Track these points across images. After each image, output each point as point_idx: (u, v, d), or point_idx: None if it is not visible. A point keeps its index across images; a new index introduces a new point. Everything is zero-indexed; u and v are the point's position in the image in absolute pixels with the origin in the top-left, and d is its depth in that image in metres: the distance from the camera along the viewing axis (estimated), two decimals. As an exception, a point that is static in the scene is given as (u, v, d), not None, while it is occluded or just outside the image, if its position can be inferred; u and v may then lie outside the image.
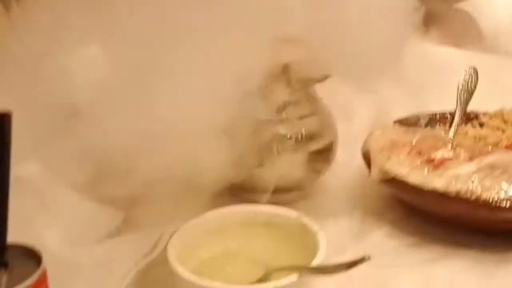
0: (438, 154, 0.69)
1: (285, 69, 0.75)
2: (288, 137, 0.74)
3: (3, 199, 0.41)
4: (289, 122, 0.74)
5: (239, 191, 0.77)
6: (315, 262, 0.56)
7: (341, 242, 0.68)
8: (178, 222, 0.64)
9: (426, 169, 0.68)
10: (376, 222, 0.73)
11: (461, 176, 0.65)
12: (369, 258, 0.51)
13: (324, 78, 0.75)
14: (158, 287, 0.62)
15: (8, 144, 0.40)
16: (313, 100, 0.77)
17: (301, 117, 0.75)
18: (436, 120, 0.83)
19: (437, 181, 0.65)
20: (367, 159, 0.74)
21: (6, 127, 0.40)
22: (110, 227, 0.67)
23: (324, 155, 0.76)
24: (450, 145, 0.71)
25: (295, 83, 0.74)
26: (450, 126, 0.82)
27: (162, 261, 0.61)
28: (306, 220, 0.62)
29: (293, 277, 0.54)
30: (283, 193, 0.75)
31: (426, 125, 0.82)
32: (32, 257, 0.43)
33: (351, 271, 0.60)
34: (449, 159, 0.68)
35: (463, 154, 0.68)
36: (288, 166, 0.74)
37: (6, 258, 0.42)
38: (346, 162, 0.79)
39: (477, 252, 0.66)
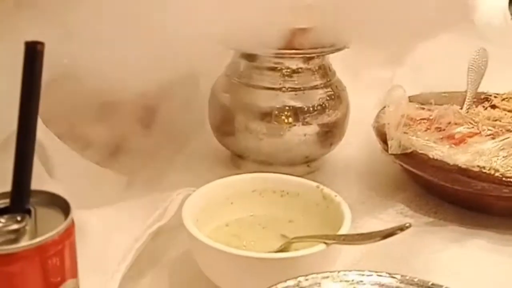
0: (459, 131, 0.67)
1: (298, 35, 0.71)
2: (299, 107, 0.71)
3: (30, 137, 0.37)
4: (299, 92, 0.71)
5: (245, 161, 0.74)
6: (342, 231, 0.53)
7: (353, 217, 0.65)
8: (189, 188, 0.61)
9: (447, 145, 0.65)
10: (389, 199, 0.71)
11: (484, 153, 0.63)
12: (409, 226, 0.48)
13: (338, 48, 0.72)
14: (170, 251, 0.60)
15: (39, 76, 0.36)
16: (326, 71, 0.74)
17: (313, 88, 0.72)
18: (447, 99, 0.81)
19: (460, 157, 0.63)
20: (381, 134, 0.71)
21: (38, 57, 0.36)
22: (116, 190, 0.64)
23: (335, 128, 0.74)
24: (471, 121, 0.68)
25: (308, 52, 0.71)
26: (462, 106, 0.80)
27: (174, 225, 0.58)
28: (328, 190, 0.59)
29: (320, 246, 0.51)
30: (292, 166, 0.73)
31: (437, 104, 0.79)
32: (60, 206, 0.38)
33: (366, 247, 0.58)
34: (471, 136, 0.66)
35: (485, 131, 0.66)
36: (297, 138, 0.71)
37: (30, 205, 0.37)
38: (357, 136, 0.77)
39: (496, 233, 0.65)
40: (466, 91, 0.82)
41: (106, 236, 0.54)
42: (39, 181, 0.55)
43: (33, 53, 0.36)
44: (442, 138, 0.67)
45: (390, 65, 0.80)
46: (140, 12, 0.74)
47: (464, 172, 0.62)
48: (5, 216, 0.37)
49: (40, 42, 0.36)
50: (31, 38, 0.37)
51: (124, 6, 0.75)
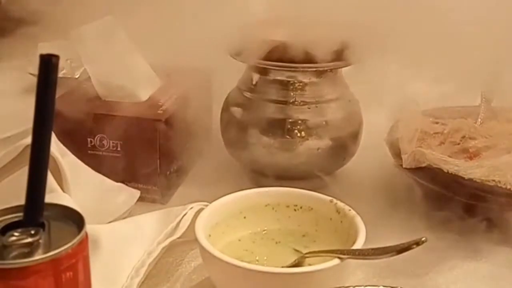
0: (474, 144, 0.66)
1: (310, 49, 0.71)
2: (312, 122, 0.70)
3: (44, 151, 0.37)
4: (312, 105, 0.71)
5: (257, 175, 0.74)
6: (356, 246, 0.52)
7: (367, 232, 0.65)
8: (202, 202, 0.61)
9: (462, 159, 0.65)
10: (403, 213, 0.69)
11: (500, 167, 0.62)
12: (425, 240, 0.47)
13: (351, 62, 0.72)
14: (183, 266, 0.60)
15: (54, 89, 0.36)
16: (339, 85, 0.74)
17: (326, 102, 0.72)
18: (461, 113, 0.80)
19: (476, 171, 0.62)
20: (394, 148, 0.70)
21: (53, 70, 0.36)
22: (129, 205, 0.64)
23: (348, 142, 0.73)
24: (486, 135, 0.68)
25: (321, 65, 0.71)
26: (476, 120, 0.79)
27: (186, 240, 0.58)
28: (341, 204, 0.58)
29: (334, 261, 0.50)
30: (305, 180, 0.72)
31: (451, 118, 0.79)
32: (73, 219, 0.38)
33: (379, 262, 0.57)
34: (486, 150, 0.65)
35: (500, 145, 0.65)
36: (310, 152, 0.71)
37: (43, 219, 0.37)
38: (370, 150, 0.76)
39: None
40: (480, 105, 0.81)
41: (119, 251, 0.54)
42: (51, 195, 0.55)
43: (48, 66, 0.36)
44: (456, 152, 0.66)
45: (404, 78, 0.79)
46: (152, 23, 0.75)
47: (479, 186, 0.62)
48: (19, 230, 0.36)
49: (55, 54, 0.36)
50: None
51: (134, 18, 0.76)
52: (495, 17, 0.68)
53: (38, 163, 0.37)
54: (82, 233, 0.37)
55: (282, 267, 0.54)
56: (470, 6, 0.68)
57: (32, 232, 0.36)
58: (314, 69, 0.70)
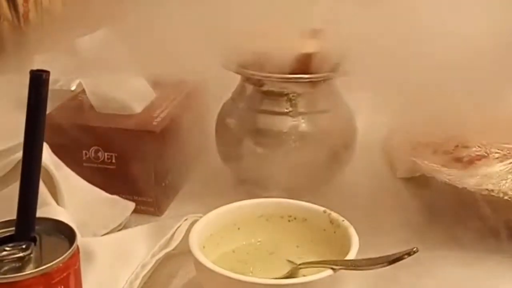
0: (468, 153, 0.66)
1: (306, 60, 0.71)
2: (306, 132, 0.71)
3: (35, 166, 0.37)
4: (307, 116, 0.71)
5: (252, 186, 0.74)
6: (349, 257, 0.52)
7: (360, 242, 0.65)
8: (196, 214, 0.61)
9: (455, 168, 0.65)
10: (397, 223, 0.70)
11: (493, 176, 0.63)
12: (416, 251, 0.47)
13: (345, 73, 0.72)
14: (177, 278, 0.59)
15: (44, 104, 0.36)
16: (333, 95, 0.74)
17: (320, 112, 0.72)
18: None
19: (469, 181, 0.62)
20: (389, 157, 0.71)
21: (43, 85, 0.36)
22: (123, 217, 0.64)
23: (343, 152, 0.73)
24: (479, 144, 0.68)
25: (315, 76, 0.71)
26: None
27: (180, 251, 0.58)
28: (335, 214, 0.58)
29: (327, 272, 0.50)
30: (299, 191, 0.72)
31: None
32: (65, 233, 0.39)
33: (373, 272, 0.57)
34: (479, 159, 0.66)
35: (493, 154, 0.65)
36: (305, 162, 0.71)
37: (35, 233, 0.38)
38: (364, 160, 0.76)
39: (506, 257, 0.64)
40: (473, 114, 0.82)
41: (113, 263, 0.54)
42: (45, 208, 0.55)
43: (39, 81, 0.36)
44: (450, 161, 0.66)
45: (399, 89, 0.80)
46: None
47: (472, 195, 0.62)
48: (10, 244, 0.37)
49: (46, 70, 0.36)
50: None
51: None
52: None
53: (29, 178, 0.37)
54: (74, 247, 0.37)
55: (276, 278, 0.54)
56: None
57: (24, 246, 0.37)
58: (308, 80, 0.71)
